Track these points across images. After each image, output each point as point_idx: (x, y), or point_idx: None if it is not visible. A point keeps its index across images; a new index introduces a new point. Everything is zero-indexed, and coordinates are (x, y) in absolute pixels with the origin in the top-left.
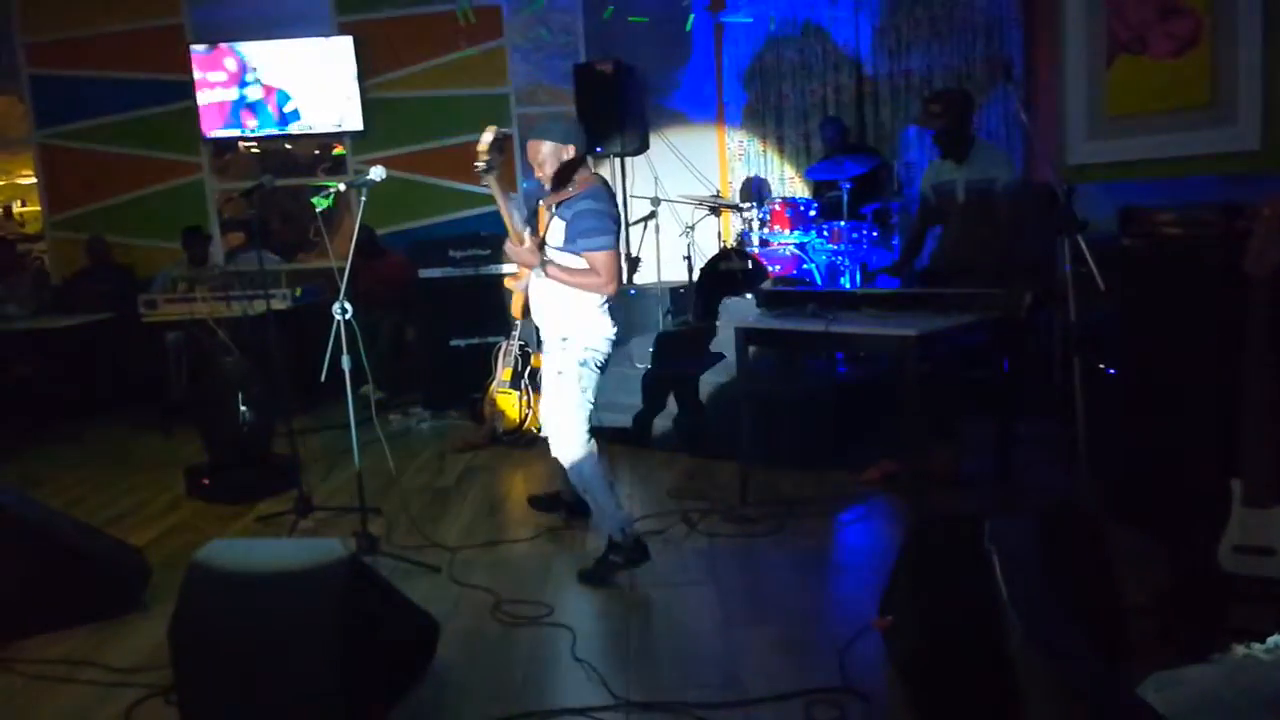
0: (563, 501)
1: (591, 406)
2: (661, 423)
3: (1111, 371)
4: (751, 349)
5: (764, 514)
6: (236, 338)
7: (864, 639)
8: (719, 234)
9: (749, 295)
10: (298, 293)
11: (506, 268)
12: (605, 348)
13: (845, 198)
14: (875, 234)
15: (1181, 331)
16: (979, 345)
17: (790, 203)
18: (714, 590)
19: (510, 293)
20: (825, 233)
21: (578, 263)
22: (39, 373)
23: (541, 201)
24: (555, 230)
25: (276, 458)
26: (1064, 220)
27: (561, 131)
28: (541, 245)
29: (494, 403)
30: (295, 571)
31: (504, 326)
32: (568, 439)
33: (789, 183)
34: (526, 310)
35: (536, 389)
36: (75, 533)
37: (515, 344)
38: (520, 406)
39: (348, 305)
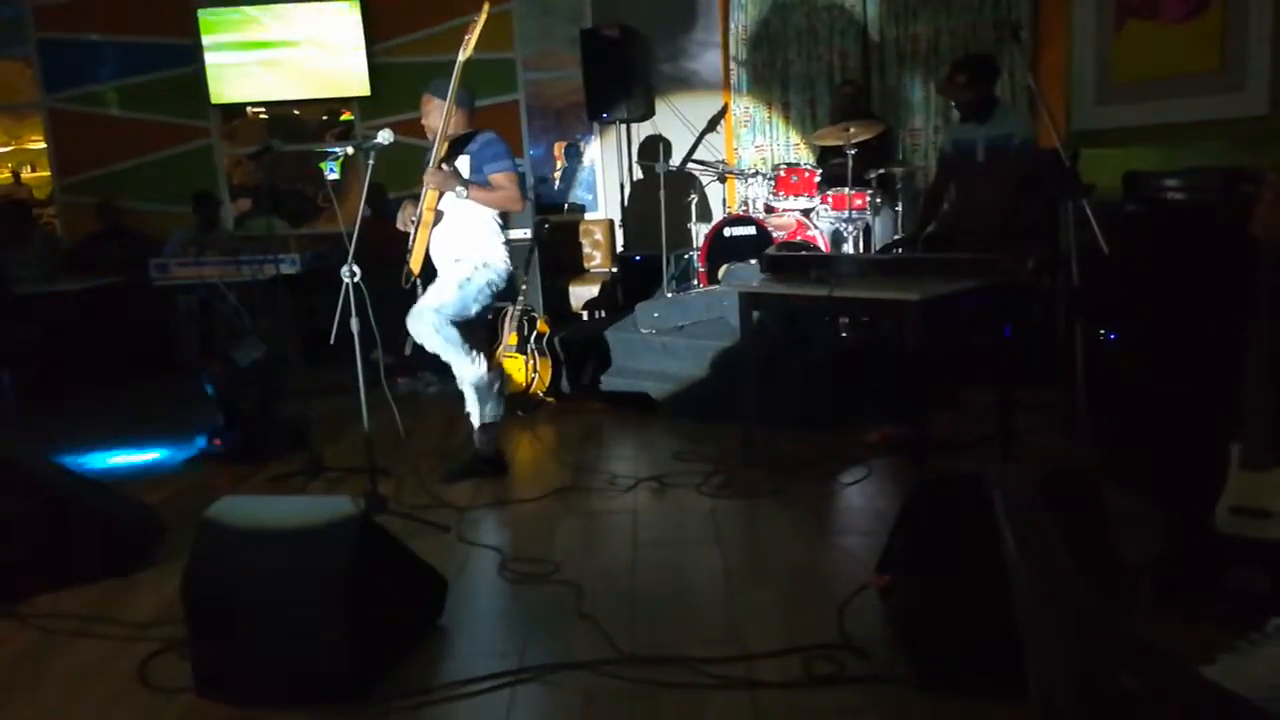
0: (479, 459)
1: (470, 315)
2: (664, 386)
3: (1113, 336)
4: (755, 314)
5: (766, 476)
6: (247, 302)
7: (863, 597)
8: (724, 200)
9: (753, 261)
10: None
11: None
12: (505, 277)
13: (850, 164)
14: (879, 201)
15: (1184, 296)
16: (981, 310)
17: (795, 169)
18: (717, 549)
19: (410, 248)
20: (830, 199)
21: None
22: (50, 336)
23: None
24: (461, 165)
25: (287, 420)
26: (1069, 185)
27: (446, 92)
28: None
29: (500, 367)
30: (306, 528)
31: (510, 291)
32: (434, 313)
33: (794, 149)
34: (425, 267)
35: (542, 353)
36: (90, 491)
37: (520, 308)
38: (526, 370)
39: (356, 269)
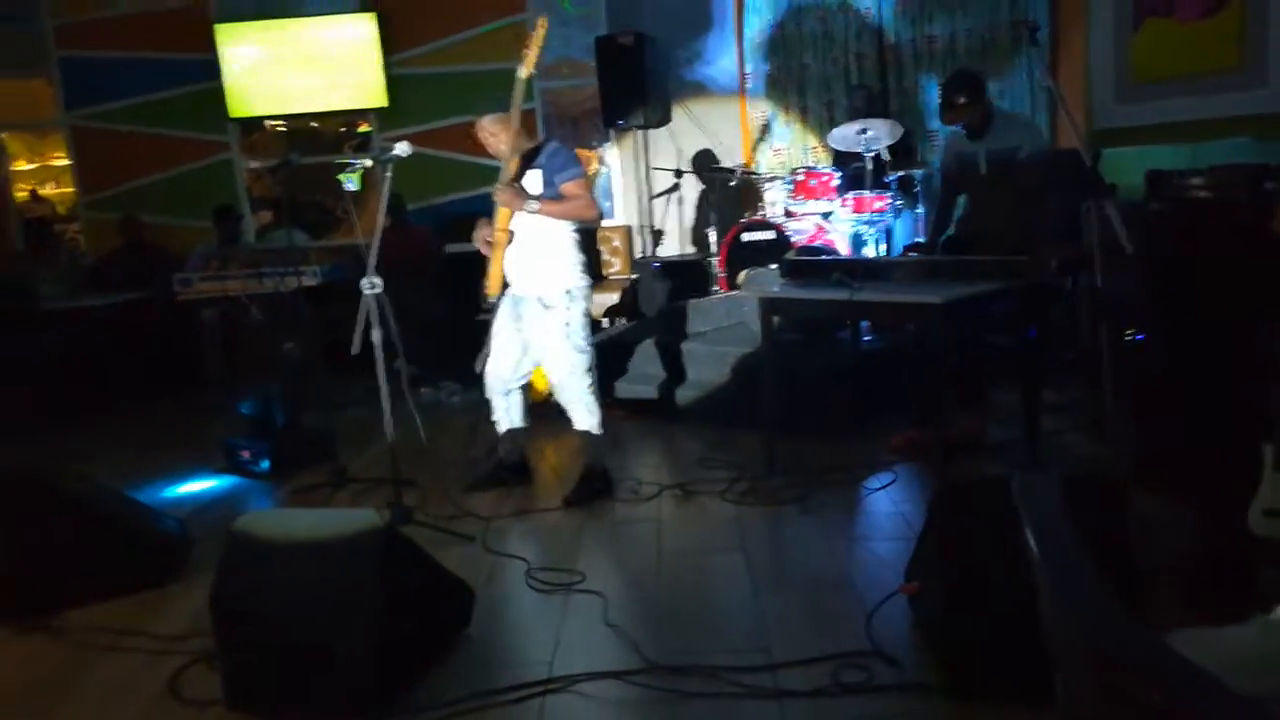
0: (504, 468)
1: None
2: (685, 393)
3: (1139, 337)
4: (776, 319)
5: (790, 483)
6: (269, 314)
7: (891, 604)
8: (741, 205)
9: (773, 265)
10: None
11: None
12: (589, 290)
13: (869, 167)
14: (899, 203)
15: (1210, 295)
16: (1005, 312)
17: (814, 172)
18: (742, 557)
19: (487, 268)
20: (849, 202)
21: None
22: (74, 350)
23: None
24: (532, 180)
25: (312, 432)
26: (1091, 185)
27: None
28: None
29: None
30: (332, 540)
31: None
32: (582, 373)
33: (812, 153)
34: (504, 285)
35: None
36: (118, 505)
37: None
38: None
39: (377, 280)
